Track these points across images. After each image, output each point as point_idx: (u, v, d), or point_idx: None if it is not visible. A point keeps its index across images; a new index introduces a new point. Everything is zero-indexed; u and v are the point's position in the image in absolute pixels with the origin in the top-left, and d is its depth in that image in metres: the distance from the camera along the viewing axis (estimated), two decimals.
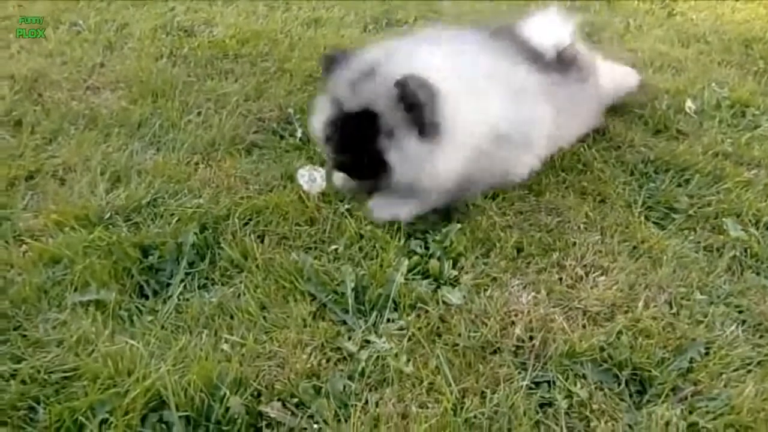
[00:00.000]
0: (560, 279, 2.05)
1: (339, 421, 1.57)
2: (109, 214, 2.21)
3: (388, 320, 1.86)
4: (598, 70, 2.86)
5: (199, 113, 2.83)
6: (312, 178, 2.30)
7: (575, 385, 1.69)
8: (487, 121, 2.25)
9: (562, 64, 2.60)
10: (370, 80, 2.13)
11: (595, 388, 1.69)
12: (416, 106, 2.08)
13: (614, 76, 3.05)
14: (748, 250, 2.23)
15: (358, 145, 2.16)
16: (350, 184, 2.34)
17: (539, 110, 2.43)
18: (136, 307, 1.88)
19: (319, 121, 2.29)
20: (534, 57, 2.50)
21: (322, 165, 2.44)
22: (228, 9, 4.03)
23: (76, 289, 1.91)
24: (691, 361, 1.78)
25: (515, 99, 2.34)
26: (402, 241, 2.13)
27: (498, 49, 2.47)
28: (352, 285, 1.94)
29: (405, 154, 2.13)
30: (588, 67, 2.78)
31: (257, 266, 2.01)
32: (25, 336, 1.77)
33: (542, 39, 2.59)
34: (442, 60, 2.26)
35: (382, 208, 2.25)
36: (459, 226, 2.19)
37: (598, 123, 2.88)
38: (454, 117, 2.14)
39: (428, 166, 2.15)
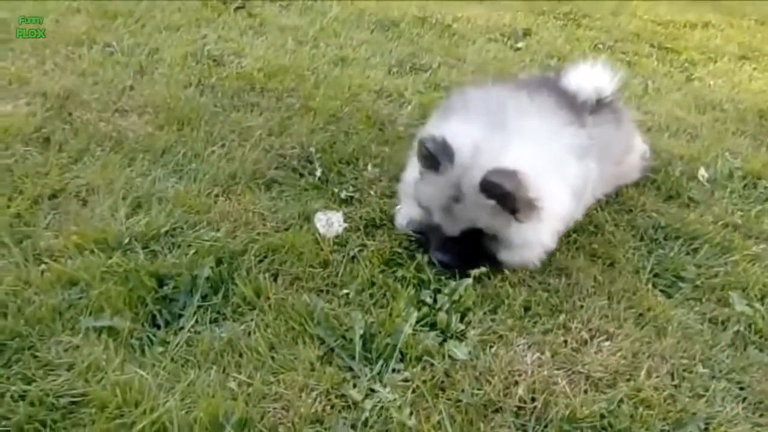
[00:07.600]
0: (565, 341, 2.07)
1: None
2: (127, 240, 2.25)
3: (394, 370, 1.89)
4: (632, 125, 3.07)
5: (222, 145, 2.88)
6: (329, 222, 2.34)
7: None
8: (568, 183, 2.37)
9: (600, 113, 2.70)
10: (462, 204, 2.21)
11: None
12: (507, 196, 2.14)
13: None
14: (752, 326, 2.25)
15: (467, 259, 2.28)
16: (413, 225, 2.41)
17: (590, 164, 2.51)
18: (148, 336, 1.91)
19: (406, 219, 2.45)
20: (577, 109, 2.59)
21: (339, 208, 2.50)
22: (258, 41, 4.10)
23: (90, 314, 1.95)
24: None
25: (577, 156, 2.43)
26: (412, 291, 2.17)
27: (549, 107, 2.52)
28: (361, 332, 1.97)
29: (513, 246, 2.28)
30: (625, 119, 2.95)
31: (269, 306, 2.05)
32: (36, 357, 1.80)
33: (585, 87, 2.70)
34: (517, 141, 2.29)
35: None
36: (469, 280, 2.22)
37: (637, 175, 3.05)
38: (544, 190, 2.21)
39: (536, 243, 2.31)
